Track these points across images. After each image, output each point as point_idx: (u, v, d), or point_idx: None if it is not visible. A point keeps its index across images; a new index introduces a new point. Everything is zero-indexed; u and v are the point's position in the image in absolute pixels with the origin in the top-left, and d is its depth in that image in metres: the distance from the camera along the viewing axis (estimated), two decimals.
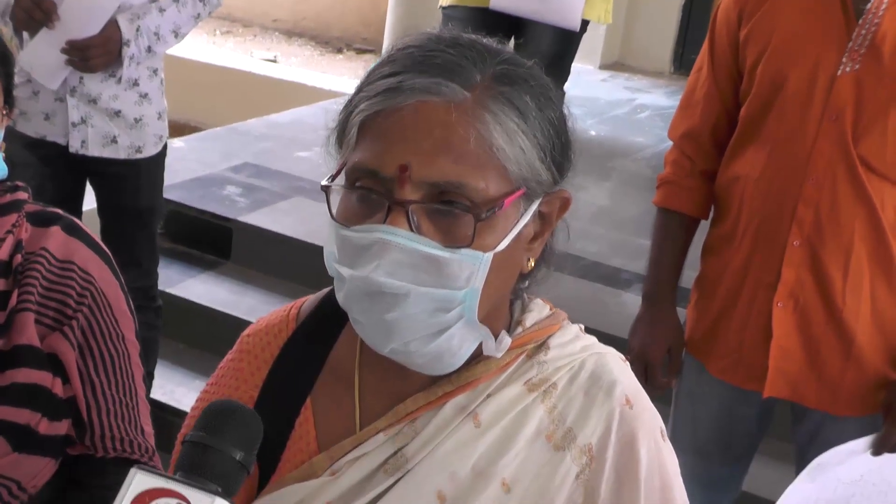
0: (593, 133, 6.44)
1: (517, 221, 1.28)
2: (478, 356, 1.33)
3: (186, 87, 7.24)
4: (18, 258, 1.76)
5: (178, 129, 7.41)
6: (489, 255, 1.24)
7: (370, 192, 1.24)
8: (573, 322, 1.47)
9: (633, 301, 2.76)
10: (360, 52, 10.38)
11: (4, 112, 1.76)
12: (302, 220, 4.74)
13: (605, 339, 3.70)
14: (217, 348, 4.27)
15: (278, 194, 5.06)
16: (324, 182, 1.28)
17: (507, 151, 1.24)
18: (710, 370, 2.55)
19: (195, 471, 1.05)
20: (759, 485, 3.20)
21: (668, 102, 7.23)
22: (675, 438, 2.66)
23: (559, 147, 1.31)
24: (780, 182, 2.37)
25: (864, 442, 2.37)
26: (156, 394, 3.84)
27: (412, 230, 1.22)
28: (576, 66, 7.90)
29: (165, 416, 3.74)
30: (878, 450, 2.36)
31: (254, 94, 7.66)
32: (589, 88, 7.30)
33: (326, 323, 1.44)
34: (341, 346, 1.43)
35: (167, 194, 3.75)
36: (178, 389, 4.07)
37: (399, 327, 1.24)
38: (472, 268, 1.24)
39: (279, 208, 4.90)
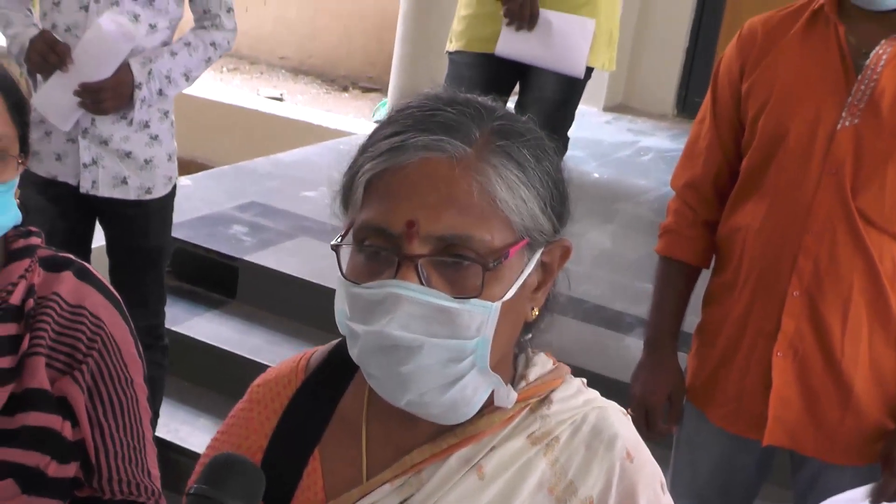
0: (596, 175, 6.47)
1: (522, 271, 1.31)
2: (483, 409, 1.36)
3: (193, 124, 7.27)
4: (31, 303, 1.79)
5: (184, 167, 7.41)
6: (498, 304, 1.28)
7: (379, 249, 1.28)
8: (575, 366, 1.50)
9: (635, 345, 2.78)
10: (366, 90, 10.44)
11: (20, 160, 1.79)
12: (307, 259, 4.77)
13: (606, 383, 3.73)
14: (222, 387, 4.32)
15: (284, 234, 5.09)
16: (333, 242, 1.31)
17: (510, 203, 1.28)
18: (710, 418, 2.57)
19: None
20: None
21: (671, 145, 7.26)
22: (675, 485, 2.72)
23: (558, 197, 1.35)
24: (781, 233, 2.40)
25: (862, 491, 2.38)
26: (160, 432, 3.86)
27: (422, 283, 1.25)
28: (579, 107, 7.94)
29: (170, 454, 3.77)
30: (876, 499, 2.37)
31: (260, 133, 7.70)
32: (592, 130, 7.34)
33: (335, 374, 1.47)
34: (349, 396, 1.46)
35: (174, 232, 3.78)
36: (182, 428, 4.09)
37: (414, 379, 1.27)
38: (483, 317, 1.27)
39: (285, 248, 4.93)
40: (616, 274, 5.01)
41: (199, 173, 6.01)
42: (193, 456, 3.77)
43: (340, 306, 1.32)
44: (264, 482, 1.17)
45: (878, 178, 2.31)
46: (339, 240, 1.32)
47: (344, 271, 1.31)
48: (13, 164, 1.77)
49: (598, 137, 7.28)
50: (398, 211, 1.25)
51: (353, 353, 1.31)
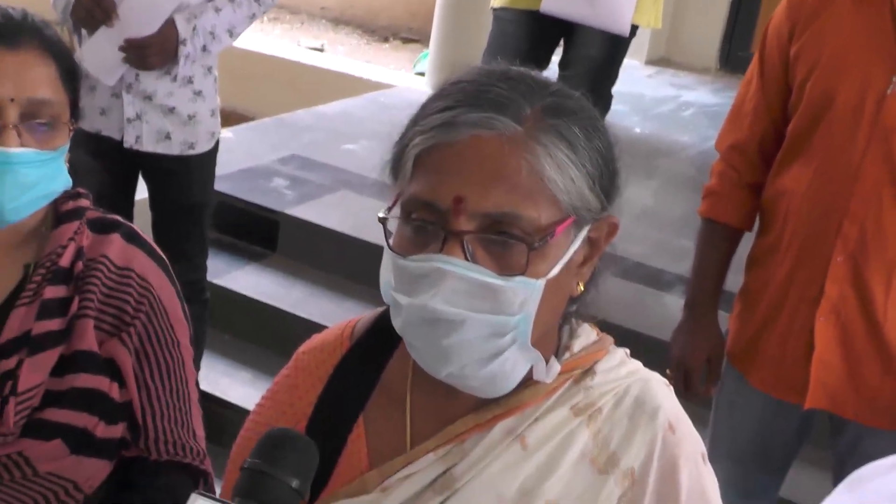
0: (638, 130, 6.43)
1: (568, 248, 1.31)
2: (526, 380, 1.37)
3: (233, 75, 7.26)
4: (80, 265, 1.80)
5: (224, 118, 7.43)
6: (542, 282, 1.28)
7: (426, 223, 1.28)
8: (613, 324, 1.50)
9: (674, 303, 2.77)
10: (407, 41, 10.40)
11: (71, 126, 1.80)
12: (348, 213, 4.78)
13: (645, 341, 3.72)
14: (263, 339, 4.36)
15: (325, 187, 5.10)
16: (381, 214, 1.32)
17: (558, 182, 1.27)
18: (750, 381, 2.57)
19: (252, 497, 1.09)
20: (796, 492, 3.22)
21: (713, 100, 7.19)
22: (714, 446, 2.72)
23: (607, 175, 1.35)
24: (826, 198, 2.38)
25: None
26: (202, 384, 3.86)
27: (467, 259, 1.26)
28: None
29: (211, 406, 3.78)
30: None
31: (300, 84, 7.69)
32: (634, 85, 7.28)
33: (380, 342, 1.48)
34: (394, 365, 1.47)
35: (215, 185, 3.79)
36: (223, 380, 4.12)
37: (455, 352, 1.28)
38: (526, 294, 1.27)
39: (325, 201, 4.94)
40: (657, 231, 4.98)
41: (241, 125, 6.02)
42: (234, 408, 3.83)
43: (386, 276, 1.32)
44: (318, 457, 1.18)
45: None
46: (386, 211, 1.32)
47: (391, 242, 1.31)
48: (65, 130, 1.78)
49: (639, 92, 7.22)
50: (446, 186, 1.26)
51: (397, 323, 1.32)
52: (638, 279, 4.48)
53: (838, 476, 2.59)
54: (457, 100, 1.29)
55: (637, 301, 4.29)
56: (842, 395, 2.46)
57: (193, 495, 1.06)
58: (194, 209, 3.59)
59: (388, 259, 1.32)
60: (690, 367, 2.63)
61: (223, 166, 4.75)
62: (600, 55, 4.41)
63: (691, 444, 1.43)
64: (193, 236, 3.63)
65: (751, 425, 2.66)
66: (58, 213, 1.84)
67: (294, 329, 3.87)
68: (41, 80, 1.74)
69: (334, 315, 4.09)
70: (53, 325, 1.77)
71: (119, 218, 1.93)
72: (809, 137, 2.40)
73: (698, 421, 2.65)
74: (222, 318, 4.22)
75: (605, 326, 1.53)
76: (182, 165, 3.49)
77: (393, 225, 1.32)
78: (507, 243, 1.26)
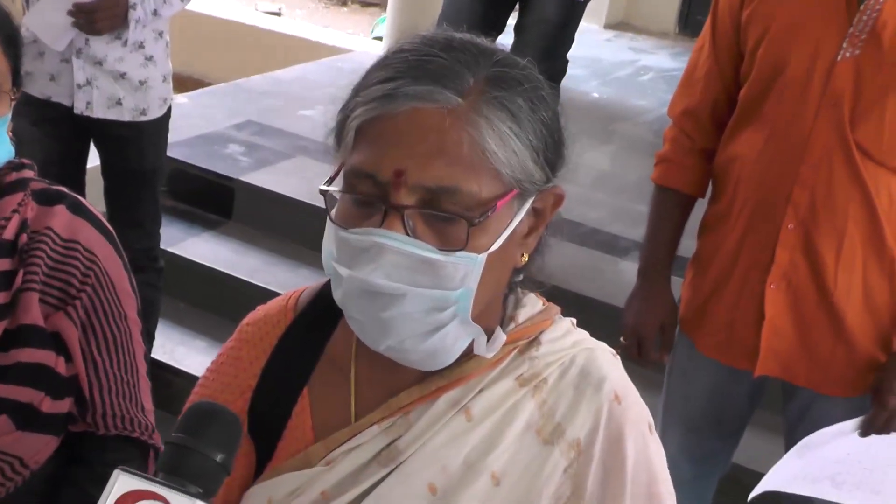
0: (596, 95, 6.43)
1: (510, 221, 1.30)
2: (470, 352, 1.36)
3: (190, 40, 7.22)
4: (24, 238, 1.78)
5: (181, 83, 7.38)
6: (483, 256, 1.27)
7: (367, 196, 1.27)
8: (569, 290, 1.50)
9: (630, 269, 2.77)
10: (365, 5, 10.34)
11: (13, 94, 1.77)
12: (304, 180, 4.75)
13: (601, 307, 3.73)
14: (218, 308, 4.34)
15: (281, 153, 5.06)
16: (322, 186, 1.30)
17: (500, 155, 1.25)
18: (699, 348, 2.58)
19: (177, 472, 1.08)
20: (749, 457, 3.24)
21: (672, 64, 7.20)
22: (667, 413, 2.74)
23: (552, 146, 1.33)
24: (777, 165, 2.38)
25: (851, 424, 2.40)
26: (156, 353, 3.87)
27: (408, 234, 1.24)
28: (581, 25, 7.86)
29: (166, 375, 3.80)
30: (865, 431, 2.40)
31: (257, 49, 7.63)
32: (592, 48, 7.27)
33: (324, 313, 1.46)
34: (338, 336, 1.46)
35: (170, 151, 3.76)
36: (178, 349, 4.10)
37: (395, 326, 1.27)
38: (467, 269, 1.26)
39: (282, 168, 4.91)
40: (614, 196, 4.99)
41: (196, 91, 5.97)
42: (188, 377, 3.81)
43: (328, 247, 1.31)
44: (241, 430, 1.17)
45: (877, 110, 2.29)
46: (328, 182, 1.30)
47: (332, 214, 1.30)
48: (6, 99, 1.75)
49: (598, 56, 7.21)
50: (387, 159, 1.24)
51: (337, 295, 1.31)
52: (594, 245, 4.49)
53: (789, 441, 2.62)
54: (398, 71, 1.26)
55: (593, 267, 4.30)
56: (793, 361, 2.47)
57: (116, 471, 1.05)
58: (147, 176, 3.55)
59: (330, 229, 1.30)
60: (644, 334, 2.63)
61: (178, 132, 4.72)
62: (554, 18, 4.38)
63: (637, 414, 1.42)
64: (146, 203, 3.60)
65: (703, 392, 2.67)
66: (1, 184, 1.81)
67: (250, 297, 3.78)
68: None
69: (290, 283, 4.07)
70: None
71: (64, 189, 1.90)
72: (761, 104, 2.40)
73: (654, 386, 2.68)
74: (177, 286, 4.20)
75: (559, 293, 1.52)
76: (134, 131, 3.45)
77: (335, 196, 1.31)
78: (447, 218, 1.25)
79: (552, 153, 1.33)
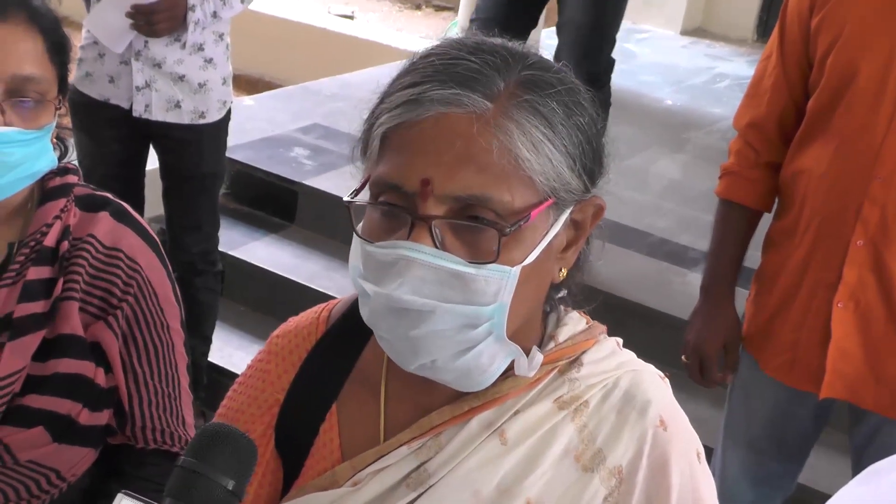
0: (669, 102, 6.33)
1: (546, 233, 1.24)
2: (507, 371, 1.30)
3: (261, 42, 7.23)
4: (65, 245, 1.74)
5: (251, 85, 7.44)
6: (517, 270, 1.21)
7: (393, 206, 1.21)
8: (635, 302, 1.43)
9: (699, 281, 2.71)
10: (439, 9, 10.30)
11: (58, 104, 1.73)
12: None
13: (668, 320, 3.64)
14: (279, 312, 4.29)
15: (346, 158, 4.99)
16: (346, 197, 1.25)
17: (533, 162, 1.19)
18: (763, 368, 2.50)
19: (184, 499, 1.03)
20: (816, 477, 3.14)
21: (749, 72, 7.00)
22: (729, 433, 2.66)
23: (590, 153, 1.26)
24: (846, 179, 2.30)
25: None
26: (214, 357, 3.86)
27: (436, 246, 1.19)
28: (656, 31, 7.76)
29: (223, 379, 3.77)
30: None
31: (329, 52, 7.63)
32: (668, 55, 7.18)
33: (356, 327, 1.41)
34: (369, 352, 1.41)
35: (234, 154, 3.74)
36: (236, 353, 4.08)
37: (425, 344, 1.22)
38: (500, 283, 1.20)
39: (346, 172, 4.84)
40: (683, 206, 4.89)
41: (263, 93, 5.97)
42: None
43: (354, 262, 1.26)
44: (256, 455, 1.11)
45: None
46: (353, 194, 1.25)
47: (358, 228, 1.24)
48: (51, 108, 1.71)
49: (673, 62, 7.12)
50: (413, 168, 1.19)
51: (364, 312, 1.26)
52: (662, 256, 4.38)
53: (856, 465, 2.53)
54: (424, 75, 1.21)
55: (660, 279, 4.19)
56: (860, 384, 2.39)
57: (120, 495, 1.00)
58: (206, 179, 3.54)
59: (356, 244, 1.25)
60: (706, 353, 2.56)
61: (243, 135, 4.71)
62: (584, 18, 4.17)
63: (684, 441, 1.35)
64: (205, 206, 3.58)
65: (766, 412, 2.59)
66: (43, 189, 1.78)
67: (309, 302, 3.80)
68: (27, 56, 1.67)
69: (348, 288, 4.01)
70: (37, 307, 1.71)
71: (109, 195, 1.86)
72: (830, 115, 2.32)
73: (721, 403, 2.58)
74: (238, 289, 4.20)
75: (624, 304, 1.45)
76: (193, 134, 3.43)
77: (363, 209, 1.25)
78: (477, 229, 1.19)
79: (590, 161, 1.26)
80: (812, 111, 2.36)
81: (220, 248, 3.80)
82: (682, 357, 2.58)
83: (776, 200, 2.52)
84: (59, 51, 1.74)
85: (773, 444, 2.62)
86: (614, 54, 4.30)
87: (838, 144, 2.30)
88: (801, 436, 2.61)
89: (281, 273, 4.38)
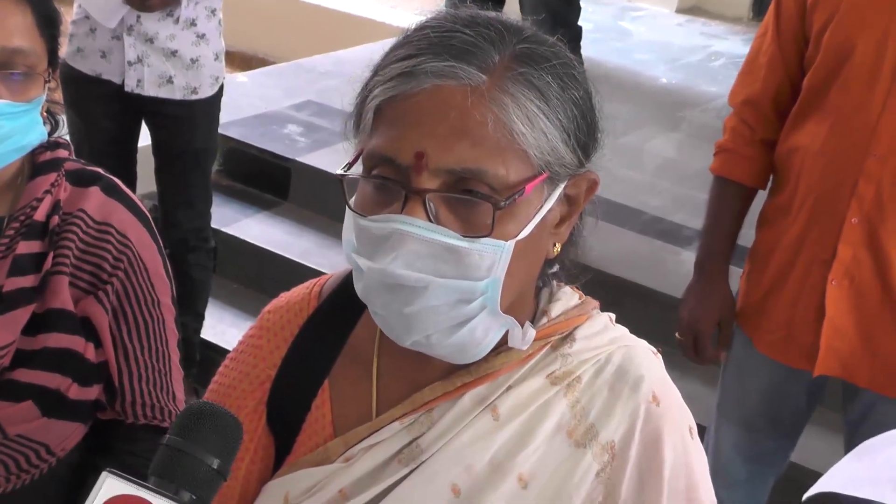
0: (664, 80, 6.31)
1: (540, 207, 1.23)
2: (499, 347, 1.29)
3: (254, 19, 7.19)
4: (55, 219, 1.73)
5: (245, 61, 7.39)
6: (511, 244, 1.20)
7: (387, 180, 1.20)
8: (629, 280, 1.42)
9: (692, 260, 2.71)
10: None
11: (48, 77, 1.71)
12: None
13: (661, 298, 3.64)
14: (271, 289, 4.28)
15: (339, 134, 4.98)
16: (339, 170, 1.24)
17: (528, 135, 1.18)
18: (757, 346, 2.50)
19: (169, 477, 1.02)
20: (808, 456, 3.14)
21: (744, 50, 6.95)
22: (723, 410, 2.66)
23: (584, 127, 1.25)
24: (842, 156, 2.29)
25: None
26: (206, 334, 3.85)
27: (430, 220, 1.18)
28: (651, 8, 7.71)
29: (216, 356, 3.75)
30: None
31: (323, 28, 7.59)
32: (663, 33, 7.15)
33: (348, 303, 1.40)
34: (361, 327, 1.40)
35: (227, 130, 3.73)
36: (229, 330, 4.07)
37: (419, 320, 1.21)
38: (494, 257, 1.19)
39: (340, 149, 4.84)
40: (678, 184, 4.87)
41: (257, 70, 5.94)
42: None
43: (348, 237, 1.25)
44: (241, 433, 1.10)
45: None
46: (346, 168, 1.24)
47: (351, 201, 1.23)
48: (40, 81, 1.69)
49: (667, 40, 7.09)
50: (406, 140, 1.17)
51: (358, 287, 1.25)
52: (656, 234, 4.37)
53: (850, 442, 2.53)
54: (419, 47, 1.20)
55: (654, 257, 4.18)
56: (855, 362, 2.39)
57: (104, 473, 0.99)
58: (198, 155, 3.53)
59: (350, 218, 1.24)
60: (700, 330, 2.56)
61: (237, 111, 4.69)
62: None
63: (677, 416, 1.35)
64: (197, 183, 3.57)
65: (759, 390, 2.59)
66: (34, 164, 1.76)
67: (302, 278, 3.79)
68: (16, 28, 1.64)
69: (342, 265, 4.01)
70: (26, 281, 1.70)
71: (100, 170, 1.84)
72: (825, 92, 2.32)
73: (712, 381, 2.58)
74: (231, 266, 4.19)
75: (618, 282, 1.44)
76: (185, 110, 3.42)
77: (356, 182, 1.24)
78: (471, 202, 1.18)
79: (584, 135, 1.25)
80: (808, 88, 2.35)
81: (213, 225, 3.80)
82: (677, 334, 2.57)
83: (771, 177, 2.51)
84: (48, 24, 1.72)
85: (766, 421, 2.62)
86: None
87: (834, 121, 2.29)
88: (795, 413, 2.62)
89: (274, 250, 4.37)
